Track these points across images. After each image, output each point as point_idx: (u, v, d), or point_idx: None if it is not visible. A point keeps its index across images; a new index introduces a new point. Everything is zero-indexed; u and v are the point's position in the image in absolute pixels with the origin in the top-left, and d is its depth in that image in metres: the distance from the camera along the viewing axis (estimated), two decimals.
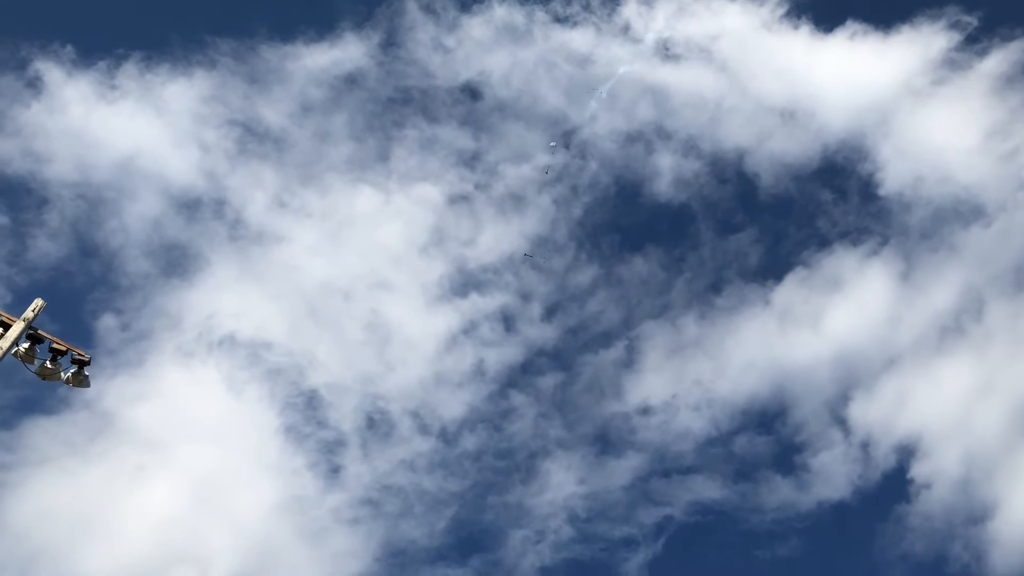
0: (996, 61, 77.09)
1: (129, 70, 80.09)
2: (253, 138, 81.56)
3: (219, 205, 78.55)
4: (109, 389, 67.01)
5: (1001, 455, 65.68)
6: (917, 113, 77.19)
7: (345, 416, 71.04)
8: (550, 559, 67.31)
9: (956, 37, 78.55)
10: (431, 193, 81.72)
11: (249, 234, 78.07)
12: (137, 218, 75.87)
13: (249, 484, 66.91)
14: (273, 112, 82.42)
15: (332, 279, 77.02)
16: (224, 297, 74.30)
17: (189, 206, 77.57)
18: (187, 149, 79.71)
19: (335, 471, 69.38)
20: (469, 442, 71.87)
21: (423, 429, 71.87)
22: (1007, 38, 77.18)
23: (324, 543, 66.59)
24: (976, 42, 78.14)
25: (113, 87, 79.03)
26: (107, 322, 71.16)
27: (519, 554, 67.76)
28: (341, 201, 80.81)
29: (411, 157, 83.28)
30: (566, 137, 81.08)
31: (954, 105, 76.74)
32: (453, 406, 72.83)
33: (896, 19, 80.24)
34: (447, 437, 71.92)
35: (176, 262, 75.29)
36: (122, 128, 78.51)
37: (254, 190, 79.79)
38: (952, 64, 77.95)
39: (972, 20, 78.64)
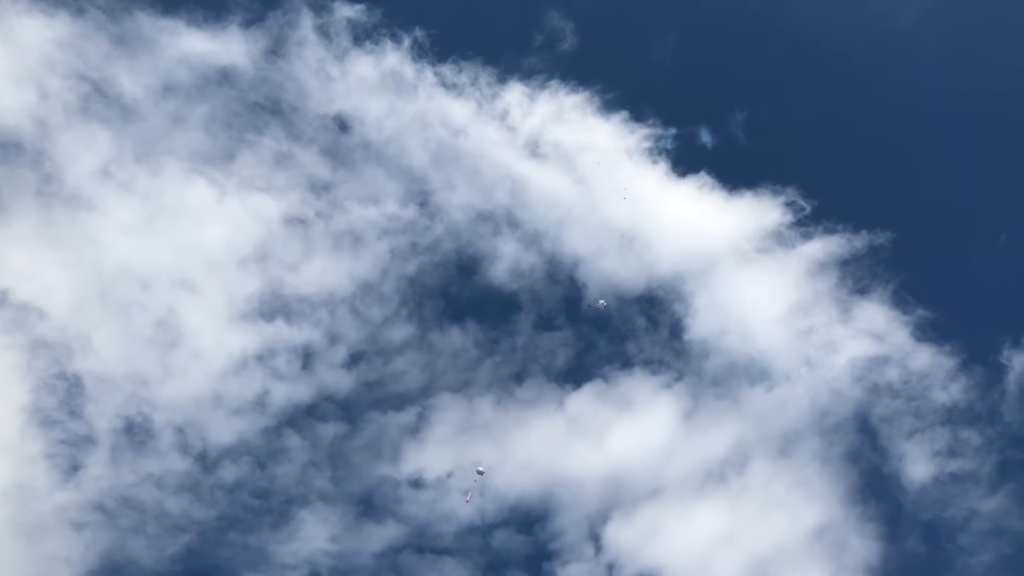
0: (816, 247, 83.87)
1: None
2: (101, 100, 77.32)
3: (39, 155, 73.54)
4: None
5: None
6: (737, 273, 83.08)
7: (103, 413, 66.64)
8: None
9: (789, 216, 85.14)
10: (268, 206, 79.59)
11: (61, 193, 73.15)
12: None
13: None
14: (131, 81, 78.50)
15: (135, 264, 72.83)
16: (10, 250, 68.68)
17: (5, 147, 72.34)
18: (24, 88, 74.63)
19: (74, 468, 64.61)
20: (228, 472, 68.98)
21: (183, 448, 68.39)
22: (831, 231, 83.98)
23: (38, 541, 61.46)
24: (804, 226, 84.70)
25: None
26: None
27: None
28: (170, 187, 77.05)
29: (259, 165, 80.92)
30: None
31: (771, 275, 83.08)
32: (223, 431, 69.85)
33: (743, 184, 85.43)
34: (206, 462, 68.75)
35: None
36: None
37: (82, 151, 75.15)
38: (779, 238, 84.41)
39: (806, 206, 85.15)
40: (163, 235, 75.33)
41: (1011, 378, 75.35)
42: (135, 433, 67.52)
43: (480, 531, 72.54)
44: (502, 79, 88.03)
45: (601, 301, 79.98)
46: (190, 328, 72.34)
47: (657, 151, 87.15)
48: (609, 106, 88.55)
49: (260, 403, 72.32)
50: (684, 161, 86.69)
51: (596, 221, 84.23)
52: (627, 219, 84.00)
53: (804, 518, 73.73)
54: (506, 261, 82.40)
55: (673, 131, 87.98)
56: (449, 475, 74.15)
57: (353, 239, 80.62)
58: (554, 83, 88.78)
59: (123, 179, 75.77)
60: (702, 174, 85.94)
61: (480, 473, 71.47)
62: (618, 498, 74.40)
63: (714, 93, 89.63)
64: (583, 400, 78.69)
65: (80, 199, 73.51)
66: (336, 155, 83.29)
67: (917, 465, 74.54)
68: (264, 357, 74.07)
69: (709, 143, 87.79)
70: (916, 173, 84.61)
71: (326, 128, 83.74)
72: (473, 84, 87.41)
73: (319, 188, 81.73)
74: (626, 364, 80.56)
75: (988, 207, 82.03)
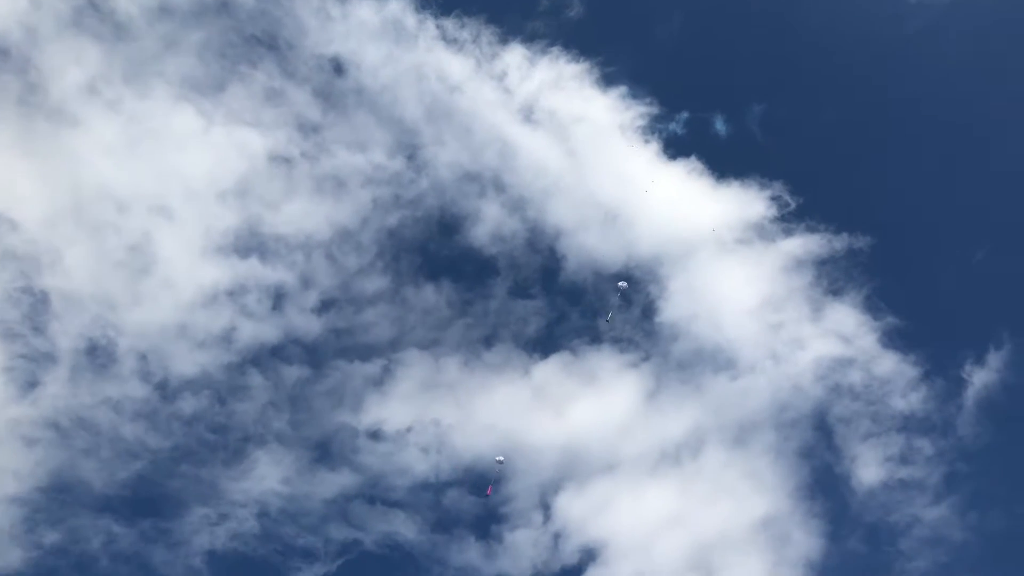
0: (796, 244, 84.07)
1: None
2: (95, 14, 75.53)
3: (25, 63, 71.89)
4: None
5: None
6: (715, 261, 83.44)
7: (67, 331, 66.06)
8: (222, 545, 65.62)
9: (773, 210, 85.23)
10: (254, 142, 78.55)
11: (45, 105, 71.75)
12: None
13: None
14: None
15: (114, 185, 71.85)
16: None
17: None
18: None
19: (32, 384, 64.14)
20: (187, 404, 68.87)
21: (144, 375, 68.10)
22: (813, 229, 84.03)
23: None
24: (787, 222, 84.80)
25: None
26: None
27: (193, 531, 65.45)
28: (158, 111, 75.85)
29: (249, 99, 79.72)
30: None
31: (747, 267, 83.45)
32: (186, 363, 69.58)
33: (731, 173, 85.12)
34: (166, 392, 68.59)
35: None
36: None
37: (71, 65, 73.62)
38: (761, 231, 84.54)
39: (791, 202, 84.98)
40: (145, 159, 74.34)
41: (969, 393, 76.71)
42: (97, 355, 67.21)
43: (433, 488, 73.31)
44: (504, 40, 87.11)
45: (622, 283, 79.15)
46: (163, 256, 71.80)
47: (664, 132, 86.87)
48: (608, 79, 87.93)
49: (226, 338, 72.11)
50: (675, 144, 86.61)
51: (582, 194, 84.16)
52: (612, 196, 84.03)
53: (752, 508, 75.05)
54: (488, 224, 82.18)
55: (685, 115, 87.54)
56: (408, 430, 74.62)
57: (336, 184, 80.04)
58: (555, 50, 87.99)
59: (110, 98, 74.53)
60: (691, 159, 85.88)
61: (500, 462, 71.73)
62: (572, 470, 75.41)
63: (720, 83, 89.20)
64: (549, 370, 79.23)
65: (64, 113, 72.32)
66: (328, 97, 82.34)
67: (868, 468, 75.89)
68: (235, 293, 73.73)
69: (723, 132, 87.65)
70: (903, 182, 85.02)
71: (321, 69, 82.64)
72: (474, 41, 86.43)
73: (307, 129, 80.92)
74: (595, 339, 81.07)
75: (969, 224, 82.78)
